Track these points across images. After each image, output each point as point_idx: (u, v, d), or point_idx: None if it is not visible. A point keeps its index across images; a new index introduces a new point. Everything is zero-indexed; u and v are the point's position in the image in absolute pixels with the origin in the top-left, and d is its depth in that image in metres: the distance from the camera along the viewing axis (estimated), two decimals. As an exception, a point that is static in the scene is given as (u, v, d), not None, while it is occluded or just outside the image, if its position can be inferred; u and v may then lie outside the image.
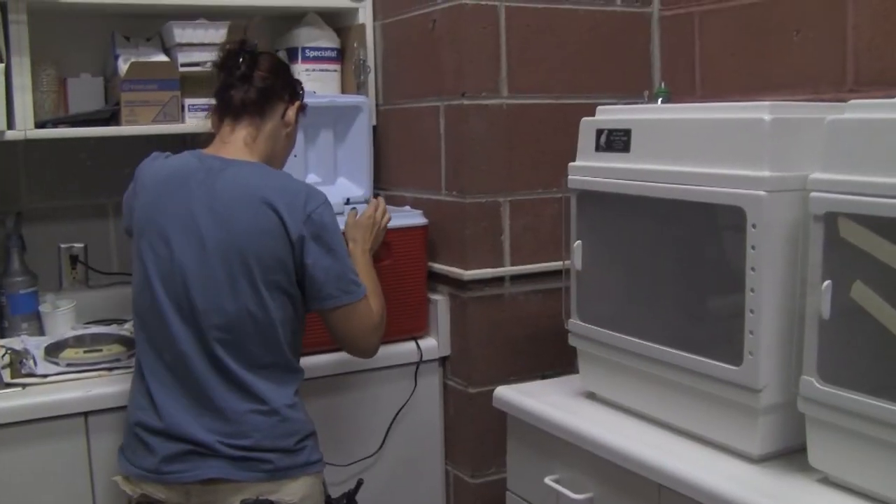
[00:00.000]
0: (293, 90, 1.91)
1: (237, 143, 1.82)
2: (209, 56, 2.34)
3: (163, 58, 2.32)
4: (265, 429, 1.71)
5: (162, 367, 1.74)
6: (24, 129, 2.12)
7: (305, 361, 2.03)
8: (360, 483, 1.97)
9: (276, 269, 1.72)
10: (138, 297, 1.77)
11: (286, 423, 1.73)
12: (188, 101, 2.33)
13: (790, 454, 1.51)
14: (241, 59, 1.85)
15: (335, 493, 1.91)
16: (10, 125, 2.11)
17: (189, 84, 2.33)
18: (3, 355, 2.05)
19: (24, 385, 1.92)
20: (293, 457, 1.73)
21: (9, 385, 1.91)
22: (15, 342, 2.15)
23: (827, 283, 1.34)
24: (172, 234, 1.73)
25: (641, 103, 2.19)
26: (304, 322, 1.84)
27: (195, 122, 2.33)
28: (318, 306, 1.79)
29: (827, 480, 1.42)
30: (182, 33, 2.32)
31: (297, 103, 1.91)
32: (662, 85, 2.27)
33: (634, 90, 2.30)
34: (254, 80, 1.83)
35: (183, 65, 2.33)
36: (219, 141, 1.84)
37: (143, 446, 1.73)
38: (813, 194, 1.37)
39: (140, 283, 1.76)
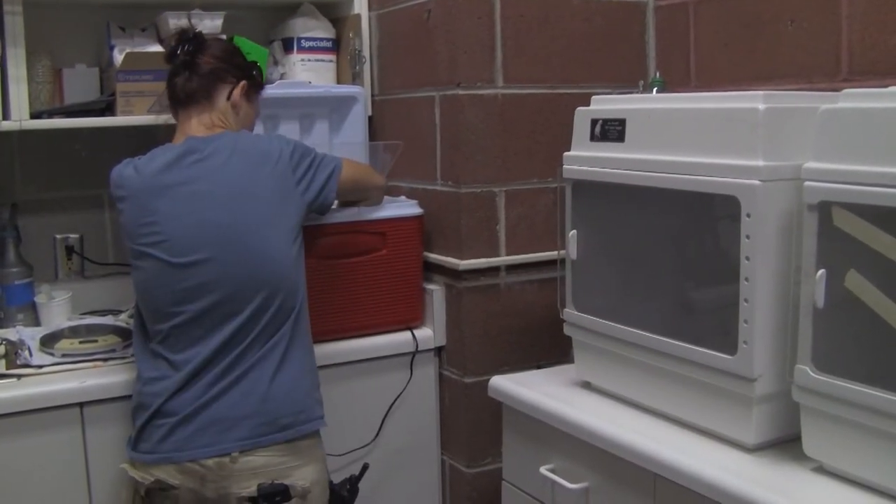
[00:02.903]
0: (240, 72, 1.95)
1: (202, 125, 1.88)
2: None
3: (158, 48, 2.31)
4: None
5: None
6: (20, 119, 2.11)
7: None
8: (365, 467, 2.00)
9: None
10: None
11: None
12: (183, 92, 2.32)
13: (785, 443, 1.51)
14: (183, 48, 1.90)
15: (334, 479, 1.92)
16: (6, 116, 2.10)
17: (184, 74, 2.32)
18: (-1, 346, 2.06)
19: (19, 376, 1.92)
20: None
21: (4, 376, 1.91)
22: (10, 333, 2.15)
23: (821, 272, 1.34)
24: None
25: (636, 93, 2.19)
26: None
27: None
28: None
29: (822, 469, 1.42)
30: (177, 23, 2.30)
31: (242, 84, 1.93)
32: (657, 75, 2.27)
33: (629, 80, 2.30)
34: (195, 67, 1.89)
35: (178, 55, 2.32)
36: (180, 132, 1.90)
37: None
38: (807, 183, 1.37)
39: None
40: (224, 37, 2.21)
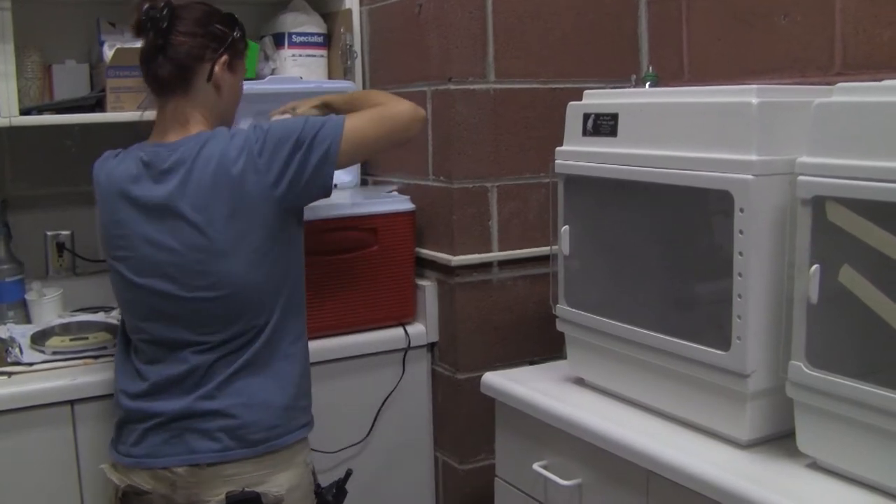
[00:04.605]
0: (219, 42, 1.74)
1: (177, 122, 1.73)
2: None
3: (148, 43, 2.30)
4: None
5: None
6: (9, 116, 2.09)
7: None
8: (348, 473, 1.96)
9: None
10: None
11: None
12: (174, 87, 2.31)
13: (779, 439, 1.51)
14: (153, 27, 1.69)
15: (324, 481, 1.91)
16: (-3, 111, 2.10)
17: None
18: (-11, 344, 2.04)
19: (9, 373, 1.90)
20: None
21: (-5, 373, 1.90)
22: (1, 330, 2.14)
23: (815, 267, 1.33)
24: None
25: (629, 87, 2.18)
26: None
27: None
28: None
29: (815, 465, 1.42)
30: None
31: (223, 59, 1.74)
32: (650, 69, 2.26)
33: (622, 74, 2.29)
34: (166, 50, 1.69)
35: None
36: (156, 127, 1.76)
37: None
38: (801, 178, 1.36)
39: None
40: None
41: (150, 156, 1.70)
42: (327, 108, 1.97)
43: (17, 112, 2.11)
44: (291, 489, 1.72)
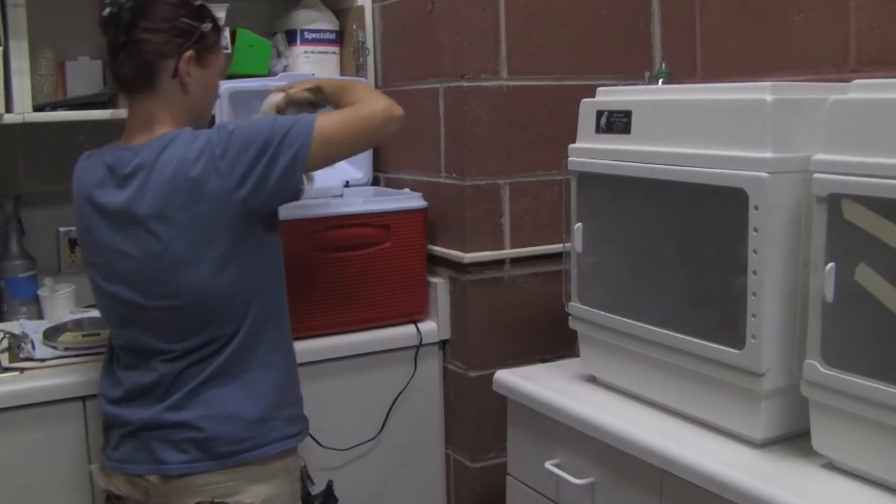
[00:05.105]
0: (186, 37, 1.65)
1: (143, 123, 1.67)
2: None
3: (160, 40, 2.30)
4: None
5: None
6: (23, 112, 2.10)
7: (303, 346, 2.03)
8: (329, 484, 1.92)
9: None
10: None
11: None
12: (186, 84, 2.31)
13: (793, 439, 1.49)
14: (116, 21, 1.62)
15: (335, 479, 1.91)
16: (9, 109, 2.10)
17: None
18: (2, 339, 2.05)
19: (22, 369, 1.91)
20: None
21: (7, 369, 1.91)
22: (13, 326, 2.15)
23: (830, 265, 1.32)
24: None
25: (642, 84, 2.17)
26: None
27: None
28: None
29: (831, 465, 1.41)
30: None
31: (187, 54, 1.65)
32: (663, 66, 2.25)
33: (635, 71, 2.28)
34: (128, 47, 1.62)
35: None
36: (126, 128, 1.70)
37: None
38: (816, 175, 1.35)
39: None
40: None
41: (114, 160, 1.64)
42: (319, 91, 1.89)
43: (30, 108, 2.12)
44: (268, 500, 1.66)
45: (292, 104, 1.90)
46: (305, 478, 1.80)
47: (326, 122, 1.67)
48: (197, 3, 1.71)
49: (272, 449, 1.67)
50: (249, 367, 1.66)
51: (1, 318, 2.28)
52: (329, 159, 1.76)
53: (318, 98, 1.88)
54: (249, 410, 1.65)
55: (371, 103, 1.74)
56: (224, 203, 1.59)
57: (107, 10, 1.64)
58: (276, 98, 1.90)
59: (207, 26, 1.69)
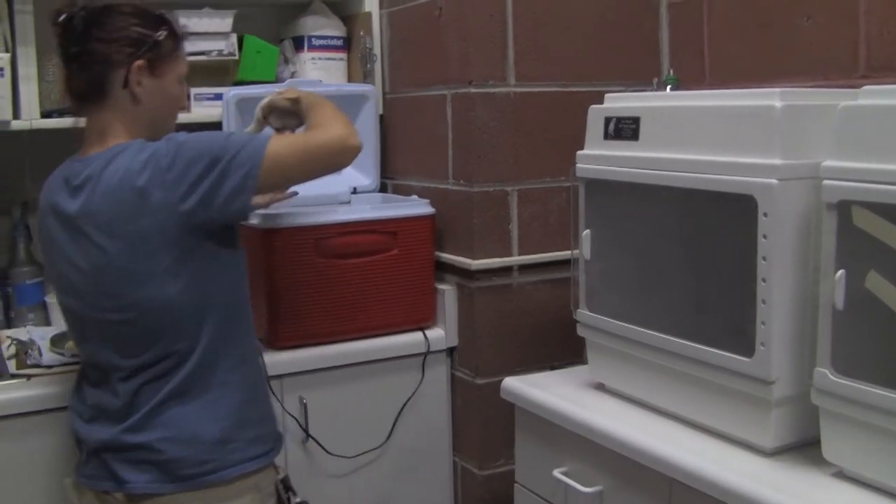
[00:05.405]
0: (136, 47, 1.62)
1: (96, 135, 1.65)
2: (215, 45, 2.34)
3: (167, 47, 2.30)
4: None
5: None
6: (30, 118, 2.11)
7: (310, 353, 2.02)
8: None
9: None
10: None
11: None
12: (194, 91, 2.32)
13: (804, 447, 1.48)
14: (67, 32, 1.61)
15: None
16: (16, 115, 2.11)
17: (194, 73, 2.30)
18: (9, 346, 2.05)
19: (29, 376, 1.91)
20: None
21: (14, 376, 1.91)
22: (21, 333, 2.15)
23: (840, 272, 1.31)
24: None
25: (650, 91, 2.17)
26: None
27: (201, 111, 2.32)
28: None
29: (842, 474, 1.39)
30: (188, 22, 2.30)
31: (136, 64, 1.61)
32: (671, 72, 2.24)
33: (642, 77, 2.27)
34: (82, 58, 1.61)
35: (189, 54, 2.30)
36: (85, 136, 1.67)
37: None
38: (826, 182, 1.34)
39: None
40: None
41: (68, 171, 1.63)
42: (297, 103, 1.84)
43: (38, 115, 2.13)
44: None
45: (275, 110, 1.88)
46: (286, 490, 1.74)
47: (279, 145, 1.62)
48: (157, 13, 1.69)
49: (234, 471, 1.63)
50: (209, 387, 1.62)
51: (8, 324, 2.28)
52: (278, 183, 1.76)
53: (297, 109, 1.84)
54: (209, 432, 1.61)
55: (329, 131, 1.67)
56: (168, 216, 1.54)
57: (60, 18, 1.62)
58: (263, 102, 1.90)
59: (162, 35, 1.66)
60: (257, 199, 1.85)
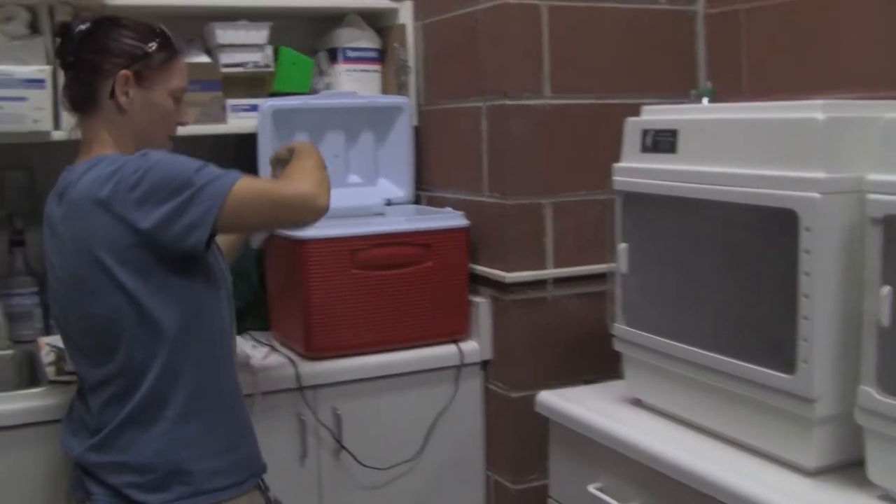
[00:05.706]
0: (124, 57, 1.63)
1: (86, 144, 1.68)
2: (251, 57, 2.36)
3: (205, 59, 2.32)
4: None
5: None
6: (69, 129, 2.12)
7: (343, 364, 2.02)
8: None
9: None
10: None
11: None
12: (230, 102, 2.34)
13: (848, 468, 1.45)
14: (65, 43, 1.66)
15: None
16: (57, 126, 2.13)
17: (231, 85, 2.33)
18: (48, 353, 2.06)
19: (68, 382, 1.92)
20: None
21: (53, 382, 1.93)
22: (59, 340, 2.15)
23: (886, 288, 1.29)
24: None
25: (687, 103, 2.15)
26: None
27: (237, 122, 2.34)
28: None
29: (887, 497, 1.36)
30: (224, 34, 2.32)
31: (122, 74, 1.62)
32: (708, 84, 2.22)
33: (678, 89, 2.25)
34: (71, 67, 1.66)
35: (224, 65, 2.33)
36: (79, 146, 1.70)
37: None
38: (870, 196, 1.32)
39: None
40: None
41: (60, 179, 1.66)
42: (291, 153, 1.80)
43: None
44: None
45: (279, 161, 1.84)
46: None
47: (244, 187, 1.57)
48: (155, 26, 1.70)
49: (197, 502, 1.60)
50: (165, 416, 1.60)
51: (47, 331, 2.29)
52: (235, 228, 1.73)
53: (290, 158, 1.80)
54: (162, 463, 1.59)
55: (298, 185, 1.61)
56: (124, 231, 1.54)
57: (58, 34, 1.69)
58: (271, 154, 1.91)
59: (152, 46, 1.66)
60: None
